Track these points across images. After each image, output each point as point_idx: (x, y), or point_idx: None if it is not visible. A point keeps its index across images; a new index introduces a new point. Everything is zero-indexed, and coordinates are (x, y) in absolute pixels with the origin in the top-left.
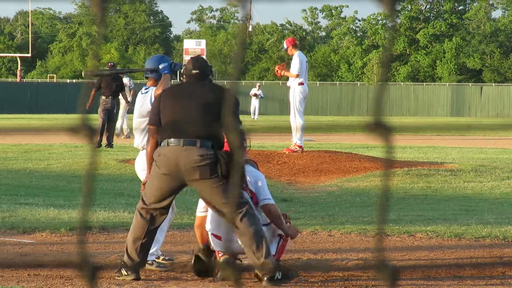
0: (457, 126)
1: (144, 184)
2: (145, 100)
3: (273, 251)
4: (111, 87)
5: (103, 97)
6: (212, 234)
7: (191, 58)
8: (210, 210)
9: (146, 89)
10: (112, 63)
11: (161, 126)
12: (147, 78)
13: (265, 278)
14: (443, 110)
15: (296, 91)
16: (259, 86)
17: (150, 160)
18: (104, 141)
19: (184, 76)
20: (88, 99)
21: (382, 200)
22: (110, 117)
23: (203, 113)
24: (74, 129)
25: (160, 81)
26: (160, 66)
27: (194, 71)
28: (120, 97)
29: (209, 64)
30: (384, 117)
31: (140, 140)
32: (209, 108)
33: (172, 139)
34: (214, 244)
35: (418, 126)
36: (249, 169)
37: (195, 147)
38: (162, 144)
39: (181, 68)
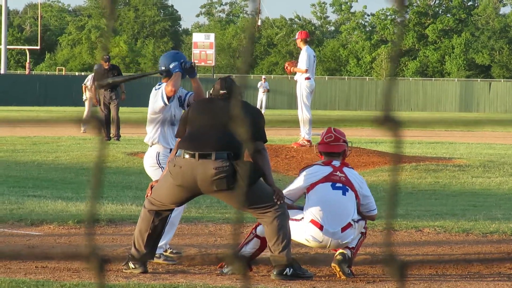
0: (465, 121)
1: (151, 187)
2: (157, 96)
3: (353, 244)
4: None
5: (101, 90)
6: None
7: (220, 79)
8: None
9: (159, 84)
10: (107, 56)
11: None
12: (161, 74)
13: (275, 272)
14: (451, 106)
15: (302, 85)
16: (264, 79)
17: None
18: (113, 133)
19: (212, 97)
20: (93, 96)
21: (391, 195)
22: (111, 109)
23: (223, 128)
24: (82, 121)
25: (170, 78)
26: (171, 66)
27: (222, 91)
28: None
29: (237, 85)
30: (393, 111)
31: (151, 135)
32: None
33: (188, 151)
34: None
35: (427, 120)
36: (355, 174)
37: (210, 160)
38: (178, 154)
39: (192, 65)
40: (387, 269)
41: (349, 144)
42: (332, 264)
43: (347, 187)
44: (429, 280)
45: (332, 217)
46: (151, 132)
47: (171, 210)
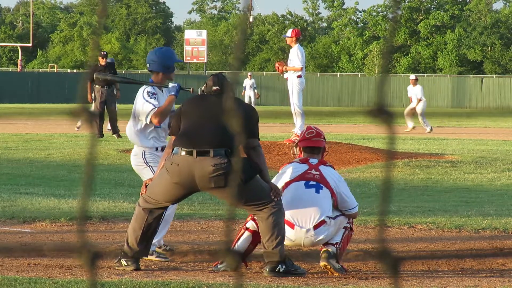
0: (457, 114)
1: (145, 185)
2: (144, 108)
3: (337, 239)
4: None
5: (98, 87)
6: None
7: (212, 75)
8: None
9: (151, 82)
10: (104, 52)
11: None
12: (151, 71)
13: (267, 268)
14: (443, 102)
15: (294, 82)
16: (250, 76)
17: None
18: (106, 131)
19: (204, 93)
20: (88, 93)
21: (383, 191)
22: (108, 107)
23: (219, 124)
24: (73, 113)
25: (164, 103)
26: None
27: (214, 88)
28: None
29: (229, 81)
30: (387, 105)
31: (133, 137)
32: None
33: (185, 149)
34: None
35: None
36: (332, 172)
37: (208, 157)
38: (175, 151)
39: (181, 89)
40: (381, 264)
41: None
42: (321, 264)
43: (321, 184)
44: (421, 277)
45: (304, 215)
46: (134, 133)
47: (166, 208)
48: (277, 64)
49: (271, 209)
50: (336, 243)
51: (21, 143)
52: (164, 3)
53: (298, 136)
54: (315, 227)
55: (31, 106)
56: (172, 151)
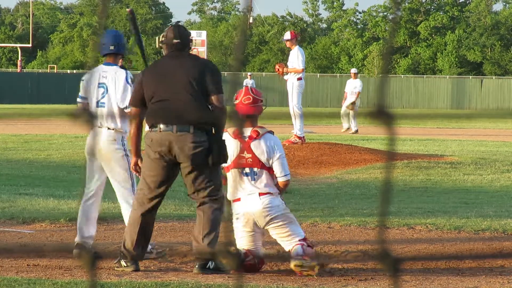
0: (457, 115)
1: (135, 164)
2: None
3: (299, 251)
4: None
5: None
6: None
7: (172, 26)
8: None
9: (127, 73)
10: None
11: (145, 107)
12: (104, 56)
13: (197, 265)
14: (443, 103)
15: (294, 84)
16: (250, 76)
17: (135, 144)
18: None
19: (163, 45)
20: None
21: (383, 192)
22: None
23: (191, 94)
24: (73, 114)
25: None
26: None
27: (175, 41)
28: None
29: (188, 32)
30: (387, 106)
31: (122, 124)
32: (195, 85)
33: (163, 125)
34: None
35: (420, 114)
36: (275, 138)
37: (188, 133)
38: (152, 129)
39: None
40: (381, 265)
41: (264, 102)
42: (291, 265)
43: (254, 169)
44: (421, 278)
45: (248, 197)
46: (117, 118)
47: (159, 205)
48: (277, 66)
49: (216, 205)
50: (298, 254)
51: (20, 143)
52: (164, 4)
53: (298, 137)
54: (260, 194)
55: (30, 107)
56: (151, 128)
